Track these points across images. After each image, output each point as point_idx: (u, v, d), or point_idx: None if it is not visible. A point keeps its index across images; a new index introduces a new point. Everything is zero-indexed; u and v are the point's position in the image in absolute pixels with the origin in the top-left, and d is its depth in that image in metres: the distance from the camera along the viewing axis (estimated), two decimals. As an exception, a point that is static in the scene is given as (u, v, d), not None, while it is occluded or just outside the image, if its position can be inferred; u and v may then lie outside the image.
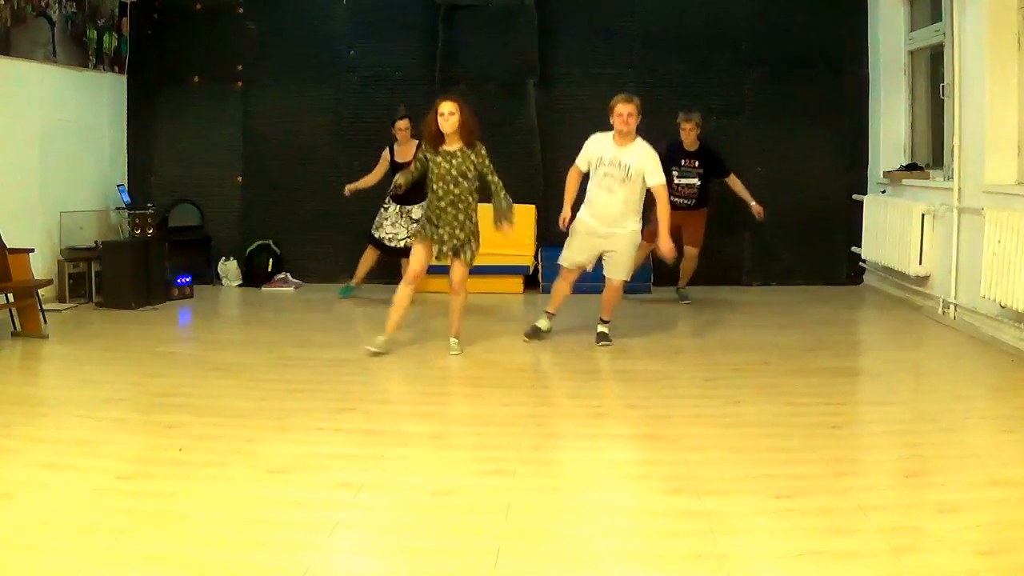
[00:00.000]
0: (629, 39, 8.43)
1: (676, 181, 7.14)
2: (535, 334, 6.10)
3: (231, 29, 8.62)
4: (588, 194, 5.94)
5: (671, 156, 7.06)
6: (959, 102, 6.50)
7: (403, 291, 5.69)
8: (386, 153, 7.56)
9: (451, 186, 5.54)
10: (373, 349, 5.64)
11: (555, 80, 8.45)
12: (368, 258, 7.71)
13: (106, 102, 8.39)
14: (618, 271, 5.91)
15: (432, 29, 8.44)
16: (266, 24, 8.63)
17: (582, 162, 5.97)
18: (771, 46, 8.39)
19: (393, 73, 8.47)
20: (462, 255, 5.61)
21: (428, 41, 8.46)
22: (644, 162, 5.77)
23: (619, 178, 5.76)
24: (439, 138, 5.56)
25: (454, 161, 5.55)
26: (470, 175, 5.57)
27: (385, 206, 7.49)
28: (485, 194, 5.69)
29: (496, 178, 5.63)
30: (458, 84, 8.21)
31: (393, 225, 7.46)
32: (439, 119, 5.51)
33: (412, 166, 5.79)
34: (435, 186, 5.57)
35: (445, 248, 5.60)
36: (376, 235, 7.56)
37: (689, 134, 7.26)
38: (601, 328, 6.02)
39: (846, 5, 8.40)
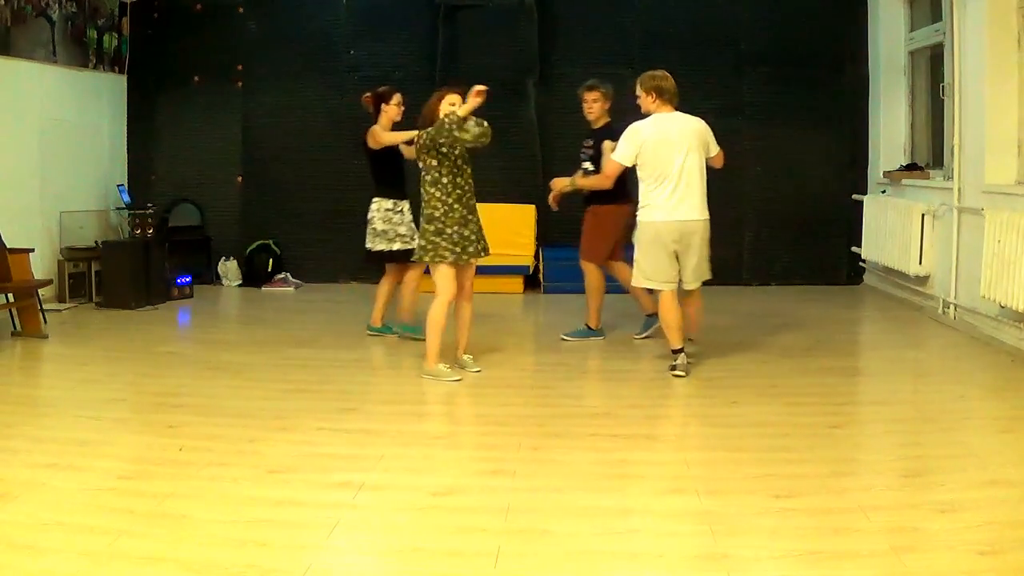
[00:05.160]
0: (629, 38, 8.43)
1: None
2: (681, 368, 5.19)
3: (231, 29, 8.62)
4: (648, 189, 5.11)
5: None
6: (959, 102, 6.50)
7: (449, 309, 5.15)
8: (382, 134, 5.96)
9: (467, 176, 5.17)
10: (473, 370, 5.27)
11: (555, 80, 8.44)
12: (406, 280, 6.14)
13: (106, 102, 8.39)
14: (702, 273, 5.24)
15: (432, 29, 8.46)
16: (266, 24, 8.65)
17: (626, 155, 5.13)
18: (771, 46, 8.40)
19: (393, 73, 8.44)
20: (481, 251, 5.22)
21: (428, 41, 8.47)
22: (703, 128, 5.17)
23: (690, 140, 5.09)
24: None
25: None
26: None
27: (398, 208, 6.02)
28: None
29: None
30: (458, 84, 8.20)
31: (407, 226, 6.02)
32: (450, 108, 5.14)
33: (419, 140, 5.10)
34: (458, 179, 5.10)
35: (480, 246, 5.20)
36: (394, 248, 5.98)
37: None
38: (680, 359, 5.18)
39: (846, 5, 8.41)
